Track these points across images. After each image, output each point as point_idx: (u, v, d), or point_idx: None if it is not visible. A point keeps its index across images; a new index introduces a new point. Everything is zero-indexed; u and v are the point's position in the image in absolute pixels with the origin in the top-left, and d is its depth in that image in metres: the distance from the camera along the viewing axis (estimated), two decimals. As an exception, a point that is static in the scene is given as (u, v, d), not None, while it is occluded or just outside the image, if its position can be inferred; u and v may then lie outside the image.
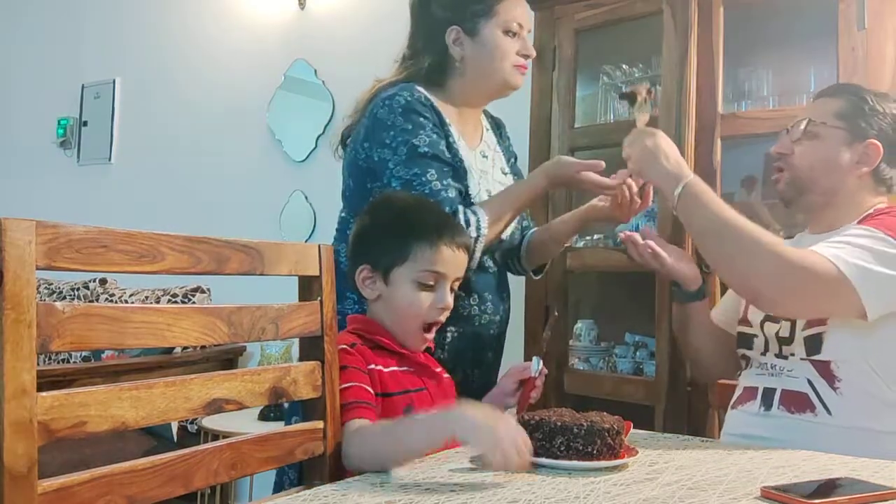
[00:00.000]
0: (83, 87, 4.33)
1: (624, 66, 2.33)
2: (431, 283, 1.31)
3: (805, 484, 0.99)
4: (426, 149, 1.51)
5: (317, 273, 1.18)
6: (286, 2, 3.58)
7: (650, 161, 1.45)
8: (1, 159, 4.64)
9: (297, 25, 3.58)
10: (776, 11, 2.07)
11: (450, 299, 1.34)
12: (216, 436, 2.50)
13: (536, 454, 1.08)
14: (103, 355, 3.33)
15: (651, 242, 1.55)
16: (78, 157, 4.35)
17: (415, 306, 1.31)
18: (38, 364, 0.80)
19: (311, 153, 3.47)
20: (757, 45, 2.11)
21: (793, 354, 1.41)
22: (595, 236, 2.32)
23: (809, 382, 1.38)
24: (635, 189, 1.58)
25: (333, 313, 1.20)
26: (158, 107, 4.05)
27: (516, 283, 1.89)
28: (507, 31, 1.62)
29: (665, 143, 1.46)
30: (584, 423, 1.09)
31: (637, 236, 1.57)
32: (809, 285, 1.29)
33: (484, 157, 1.69)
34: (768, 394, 1.43)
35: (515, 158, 1.86)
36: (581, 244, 2.32)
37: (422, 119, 1.54)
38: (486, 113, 1.79)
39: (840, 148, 1.45)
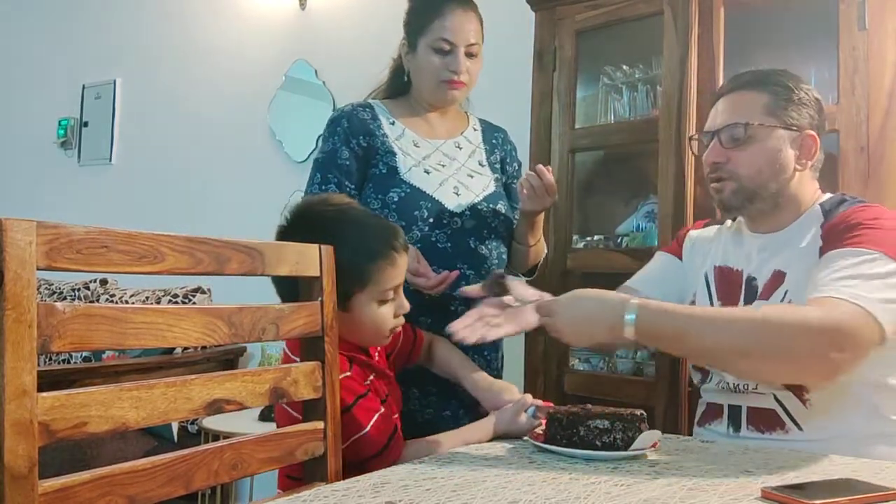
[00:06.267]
0: (84, 87, 4.33)
1: (625, 67, 2.33)
2: (393, 296, 1.33)
3: (806, 485, 0.99)
4: (320, 156, 1.76)
5: (317, 273, 1.18)
6: (286, 2, 3.59)
7: (580, 325, 1.29)
8: (1, 159, 4.64)
9: (298, 25, 3.58)
10: (776, 11, 2.07)
11: (407, 303, 1.36)
12: (217, 436, 2.50)
13: (562, 444, 1.17)
14: (104, 356, 3.33)
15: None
16: (78, 157, 4.35)
17: (381, 323, 1.32)
18: (38, 364, 0.80)
19: (311, 154, 3.47)
20: (757, 45, 2.11)
21: None
22: (595, 237, 2.32)
23: (776, 399, 1.35)
24: (536, 181, 1.66)
25: (334, 314, 1.21)
26: (159, 107, 4.05)
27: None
28: (436, 50, 1.72)
29: (572, 300, 1.30)
30: (606, 416, 1.17)
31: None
32: (852, 341, 1.18)
33: (458, 147, 1.83)
34: (734, 412, 1.40)
35: (519, 165, 1.95)
36: (581, 245, 2.32)
37: (337, 129, 1.76)
38: (480, 119, 1.92)
39: (782, 147, 1.39)
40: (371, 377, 1.33)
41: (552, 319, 1.29)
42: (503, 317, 1.37)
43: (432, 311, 1.63)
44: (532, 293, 1.39)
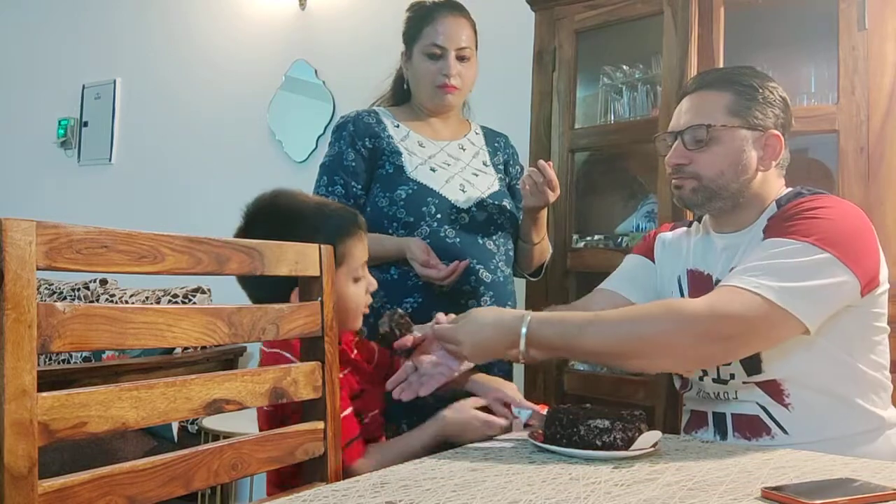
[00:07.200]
0: (84, 87, 4.33)
1: (624, 67, 2.33)
2: (362, 273, 1.36)
3: (806, 484, 0.99)
4: (326, 160, 1.82)
5: (317, 273, 1.19)
6: (286, 2, 3.59)
7: (484, 346, 1.32)
8: (1, 159, 4.64)
9: (297, 25, 3.58)
10: (776, 11, 2.07)
11: (374, 279, 1.39)
12: (216, 436, 2.50)
13: (562, 444, 1.16)
14: (104, 356, 3.33)
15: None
16: (78, 157, 4.35)
17: (357, 300, 1.35)
18: (38, 364, 0.80)
19: (311, 154, 3.47)
20: (757, 45, 2.11)
21: (732, 377, 1.36)
22: (595, 237, 2.32)
23: (759, 404, 1.35)
24: (538, 177, 1.68)
25: (333, 313, 1.21)
26: (159, 107, 4.05)
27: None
28: (428, 55, 1.78)
29: (475, 327, 1.32)
30: (606, 416, 1.17)
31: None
32: (743, 329, 1.22)
33: (462, 149, 1.88)
34: (719, 420, 1.39)
35: (522, 168, 1.98)
36: (581, 245, 2.32)
37: (343, 133, 1.82)
38: (482, 126, 1.97)
39: (745, 147, 1.38)
40: (346, 371, 1.33)
41: (458, 347, 1.33)
42: (430, 367, 1.37)
43: (444, 304, 1.62)
44: (444, 317, 1.39)
